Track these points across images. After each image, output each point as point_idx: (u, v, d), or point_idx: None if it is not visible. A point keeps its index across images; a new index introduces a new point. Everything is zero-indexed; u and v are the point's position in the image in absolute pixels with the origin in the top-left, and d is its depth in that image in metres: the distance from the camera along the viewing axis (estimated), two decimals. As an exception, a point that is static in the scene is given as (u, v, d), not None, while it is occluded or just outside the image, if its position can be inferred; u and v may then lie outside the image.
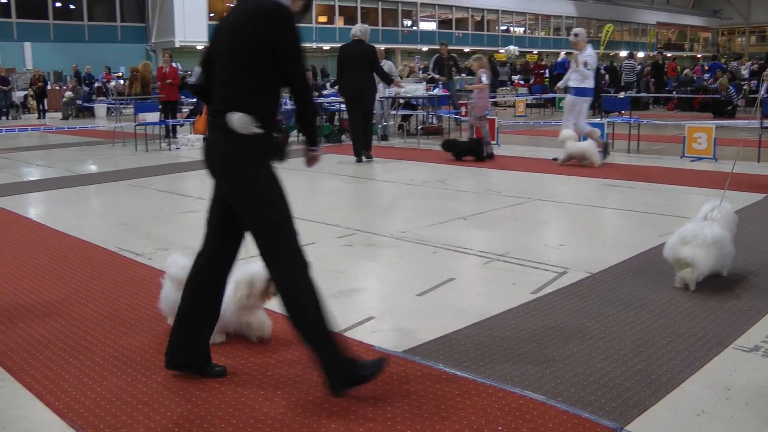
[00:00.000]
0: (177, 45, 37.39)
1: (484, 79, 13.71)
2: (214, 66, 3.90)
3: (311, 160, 4.30)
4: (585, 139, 12.78)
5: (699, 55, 68.74)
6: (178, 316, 3.97)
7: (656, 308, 5.09)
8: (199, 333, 3.99)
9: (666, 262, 5.66)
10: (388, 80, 14.47)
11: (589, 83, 12.91)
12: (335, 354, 3.71)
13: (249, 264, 4.38)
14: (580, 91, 12.90)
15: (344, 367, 3.72)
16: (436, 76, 20.16)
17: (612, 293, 5.44)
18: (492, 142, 14.15)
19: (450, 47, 21.59)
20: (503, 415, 3.54)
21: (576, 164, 12.34)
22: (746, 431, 3.43)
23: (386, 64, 17.18)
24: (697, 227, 5.48)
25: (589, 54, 12.83)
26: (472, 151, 13.36)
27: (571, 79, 13.01)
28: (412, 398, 3.71)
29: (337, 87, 16.55)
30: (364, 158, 13.49)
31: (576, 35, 13.15)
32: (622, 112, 18.47)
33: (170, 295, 4.50)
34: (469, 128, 14.76)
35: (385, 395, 3.75)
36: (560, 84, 13.82)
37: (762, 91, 21.04)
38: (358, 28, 13.80)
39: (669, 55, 45.53)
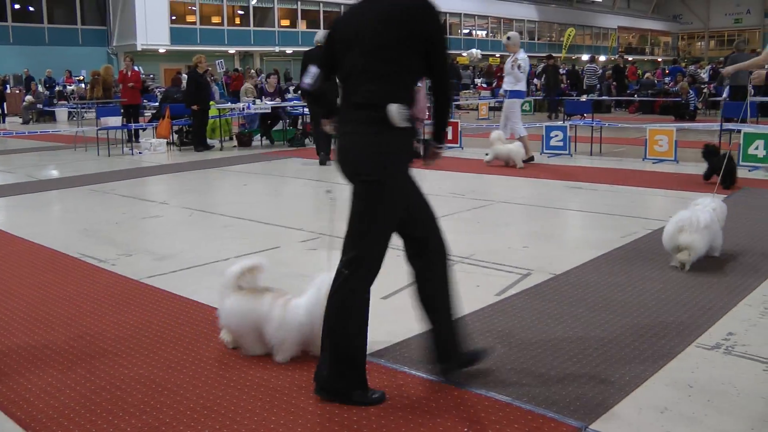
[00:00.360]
0: (139, 48, 37.11)
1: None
2: (343, 63, 3.82)
3: (433, 158, 4.15)
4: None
5: (660, 59, 69.50)
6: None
7: (619, 308, 5.14)
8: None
9: (631, 260, 5.73)
10: None
11: (522, 86, 13.36)
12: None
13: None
14: (514, 94, 13.35)
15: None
16: None
17: (575, 294, 5.48)
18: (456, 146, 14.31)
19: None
20: (469, 417, 3.55)
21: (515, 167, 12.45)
22: (708, 427, 3.48)
23: None
24: (691, 213, 6.05)
25: (522, 57, 13.08)
26: None
27: (506, 82, 13.43)
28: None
29: (300, 91, 16.68)
30: (327, 162, 13.49)
31: (509, 38, 13.43)
32: (584, 114, 18.63)
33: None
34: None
35: (351, 398, 3.75)
36: (503, 90, 14.30)
37: (724, 94, 21.27)
38: (321, 35, 14.07)
39: (630, 59, 45.93)
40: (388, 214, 3.86)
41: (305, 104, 15.63)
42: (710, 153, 10.57)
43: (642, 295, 5.44)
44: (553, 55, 26.30)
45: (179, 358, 4.29)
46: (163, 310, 5.26)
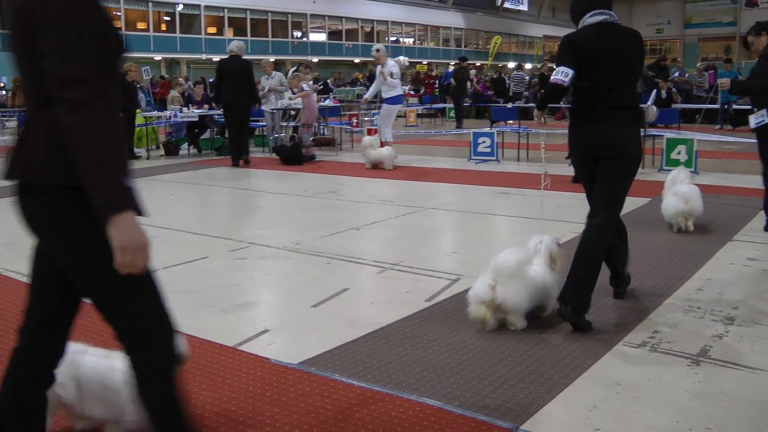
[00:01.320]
0: (62, 56, 36.45)
1: (305, 86, 15.50)
2: (597, 73, 5.03)
3: None
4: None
5: (583, 67, 70.68)
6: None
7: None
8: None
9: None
10: (256, 98, 15.39)
11: (396, 92, 14.64)
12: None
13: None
14: (390, 100, 14.58)
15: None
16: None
17: (503, 299, 5.54)
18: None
19: (341, 58, 21.69)
20: (401, 423, 3.57)
21: (439, 169, 12.56)
22: (635, 423, 3.57)
23: (276, 76, 17.34)
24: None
25: (391, 65, 14.28)
26: (294, 156, 14.62)
27: (383, 91, 14.48)
28: (309, 409, 3.71)
29: (215, 98, 17.04)
30: (242, 162, 14.66)
31: (377, 50, 14.53)
32: (510, 121, 18.85)
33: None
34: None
35: (282, 407, 3.74)
36: (367, 95, 15.85)
37: (649, 102, 21.75)
38: (235, 44, 15.27)
39: (555, 67, 46.47)
40: (631, 182, 5.16)
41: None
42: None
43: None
44: (467, 59, 25.62)
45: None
46: (89, 325, 5.16)
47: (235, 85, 14.55)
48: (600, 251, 5.03)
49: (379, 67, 14.41)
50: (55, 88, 2.35)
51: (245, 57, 15.15)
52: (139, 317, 2.69)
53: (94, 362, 3.43)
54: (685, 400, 3.80)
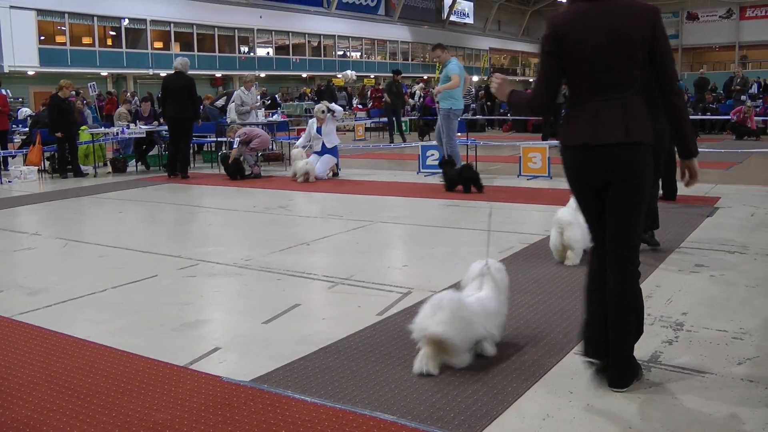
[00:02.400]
0: (6, 70, 35.68)
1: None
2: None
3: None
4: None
5: (531, 80, 71.42)
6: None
7: (498, 323, 5.24)
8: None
9: (508, 274, 5.85)
10: (197, 114, 16.04)
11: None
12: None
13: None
14: (333, 150, 14.92)
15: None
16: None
17: (455, 311, 5.55)
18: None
19: (288, 73, 21.66)
20: (354, 438, 3.56)
21: (393, 183, 12.60)
22: (588, 430, 3.60)
23: (253, 92, 17.40)
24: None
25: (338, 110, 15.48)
26: (237, 171, 14.92)
27: (325, 141, 14.84)
28: (263, 427, 3.68)
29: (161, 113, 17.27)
30: (179, 176, 15.24)
31: (323, 111, 14.89)
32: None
33: None
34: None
35: (235, 425, 3.70)
36: (300, 143, 15.63)
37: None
38: (179, 61, 15.72)
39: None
40: None
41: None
42: (446, 164, 12.16)
43: (521, 307, 5.57)
44: (400, 72, 25.18)
45: (56, 397, 4.15)
46: (37, 347, 5.08)
47: (177, 101, 15.28)
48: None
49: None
50: (668, 81, 3.92)
51: (191, 73, 15.52)
52: (636, 237, 4.06)
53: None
54: (637, 405, 3.84)
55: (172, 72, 15.75)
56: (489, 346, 4.55)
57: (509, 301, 4.92)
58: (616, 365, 4.00)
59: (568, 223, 6.66)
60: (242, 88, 17.36)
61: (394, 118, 23.13)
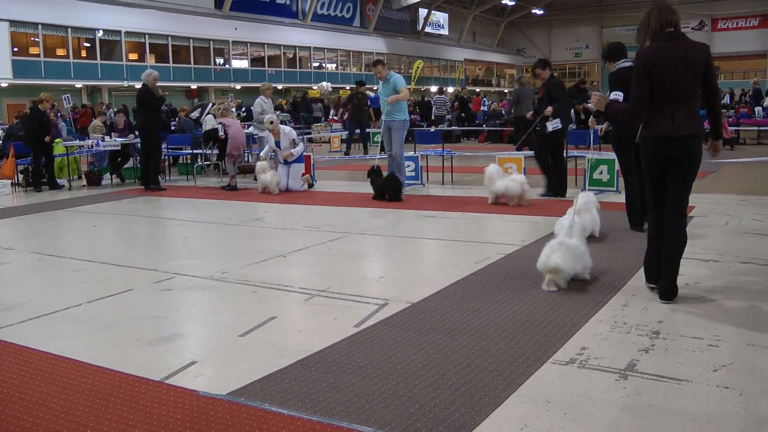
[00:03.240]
0: (-21, 82, 35.46)
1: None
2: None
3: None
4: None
5: (506, 90, 71.79)
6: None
7: (477, 332, 5.25)
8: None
9: (485, 285, 5.87)
10: (147, 124, 15.63)
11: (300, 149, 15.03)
12: None
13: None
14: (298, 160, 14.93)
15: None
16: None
17: (433, 321, 5.56)
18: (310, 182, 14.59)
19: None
20: (331, 451, 3.54)
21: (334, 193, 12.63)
22: (564, 443, 3.59)
23: (260, 103, 17.35)
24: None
25: (289, 131, 15.05)
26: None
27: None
28: (239, 441, 3.67)
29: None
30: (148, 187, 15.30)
31: (271, 123, 14.84)
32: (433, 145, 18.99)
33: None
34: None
35: (211, 440, 3.68)
36: (263, 153, 15.57)
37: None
38: (144, 74, 15.82)
39: (478, 90, 47.10)
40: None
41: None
42: (373, 174, 12.66)
43: (498, 318, 5.58)
44: (364, 83, 24.85)
45: (30, 414, 4.11)
46: (10, 364, 5.03)
47: (138, 112, 15.81)
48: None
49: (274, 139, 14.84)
50: (716, 94, 5.97)
51: (166, 84, 15.66)
52: (687, 200, 6.02)
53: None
54: (614, 414, 3.86)
55: (144, 84, 15.69)
56: (585, 275, 6.63)
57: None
58: (668, 284, 5.94)
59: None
60: (262, 96, 17.05)
61: (357, 130, 23.24)
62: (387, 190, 12.62)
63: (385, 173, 12.92)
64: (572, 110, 18.51)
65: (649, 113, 5.88)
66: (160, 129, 16.09)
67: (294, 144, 14.69)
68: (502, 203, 11.48)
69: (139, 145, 17.17)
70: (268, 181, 14.21)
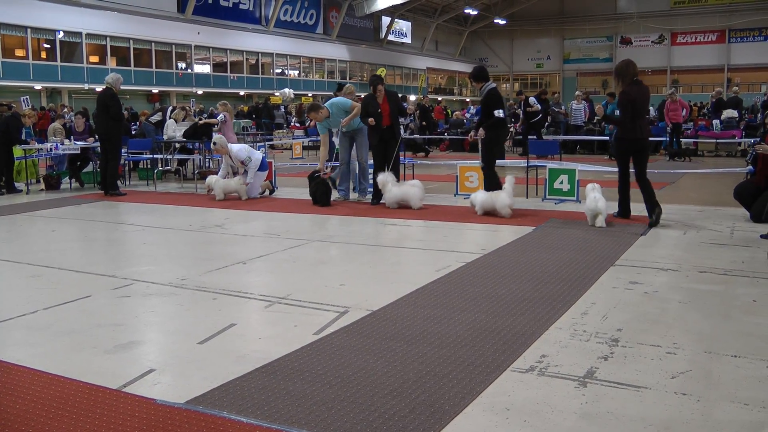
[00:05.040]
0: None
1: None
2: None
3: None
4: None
5: (468, 99, 72.16)
6: None
7: (437, 340, 5.25)
8: None
9: (446, 293, 5.87)
10: (110, 129, 15.41)
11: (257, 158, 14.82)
12: None
13: None
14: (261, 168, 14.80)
15: None
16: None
17: (393, 329, 5.56)
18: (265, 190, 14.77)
19: (226, 90, 21.47)
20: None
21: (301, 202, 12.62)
22: (522, 454, 3.60)
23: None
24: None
25: (238, 149, 14.68)
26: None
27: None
28: (197, 450, 3.63)
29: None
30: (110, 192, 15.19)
31: (214, 144, 14.65)
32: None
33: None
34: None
35: (168, 449, 3.64)
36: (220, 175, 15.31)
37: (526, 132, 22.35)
38: (109, 76, 15.64)
39: (440, 99, 47.21)
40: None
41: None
42: (312, 179, 13.09)
43: (458, 326, 5.58)
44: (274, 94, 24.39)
45: (-18, 418, 4.04)
46: None
47: (98, 116, 15.52)
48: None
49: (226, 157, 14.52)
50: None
51: (127, 88, 15.47)
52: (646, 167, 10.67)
53: None
54: (574, 421, 3.88)
55: (105, 87, 15.48)
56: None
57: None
58: (654, 205, 10.04)
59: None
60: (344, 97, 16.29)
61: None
62: (318, 195, 12.89)
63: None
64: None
65: (629, 124, 10.33)
66: (121, 134, 15.87)
67: (243, 165, 14.25)
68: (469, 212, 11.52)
69: (99, 149, 17.07)
70: (235, 188, 14.10)
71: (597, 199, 10.00)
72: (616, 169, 10.64)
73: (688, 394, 4.20)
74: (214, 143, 14.41)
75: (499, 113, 11.79)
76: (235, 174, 14.39)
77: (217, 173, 14.66)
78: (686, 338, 5.25)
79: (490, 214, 11.10)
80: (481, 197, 11.34)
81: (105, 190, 15.34)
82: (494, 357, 4.88)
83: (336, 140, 14.75)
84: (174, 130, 18.44)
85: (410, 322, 5.73)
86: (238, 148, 14.48)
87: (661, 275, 7.21)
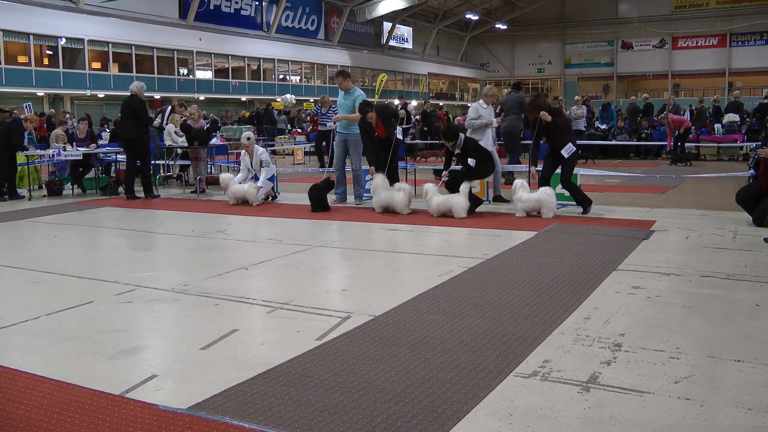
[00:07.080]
0: None
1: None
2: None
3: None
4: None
5: (469, 104, 72.16)
6: None
7: (439, 345, 5.24)
8: None
9: (448, 298, 5.86)
10: (140, 134, 15.78)
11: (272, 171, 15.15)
12: None
13: None
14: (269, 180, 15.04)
15: None
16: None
17: (395, 334, 5.55)
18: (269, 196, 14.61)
19: (227, 96, 21.49)
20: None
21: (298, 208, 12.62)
22: (525, 459, 3.60)
23: (476, 108, 16.24)
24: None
25: (261, 152, 14.82)
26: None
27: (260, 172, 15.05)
28: (199, 456, 3.63)
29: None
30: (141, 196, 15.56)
31: (248, 138, 14.89)
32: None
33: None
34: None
35: (171, 455, 3.64)
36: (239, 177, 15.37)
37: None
38: (133, 84, 16.22)
39: (441, 104, 47.20)
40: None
41: (117, 152, 15.91)
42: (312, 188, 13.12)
43: (460, 331, 5.58)
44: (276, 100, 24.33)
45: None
46: None
47: (126, 123, 15.79)
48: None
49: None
50: None
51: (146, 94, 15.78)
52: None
53: None
54: (577, 426, 3.87)
55: (129, 95, 15.95)
56: None
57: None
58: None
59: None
60: (480, 101, 14.93)
61: (323, 143, 23.09)
62: (313, 202, 13.04)
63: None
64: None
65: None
66: (149, 139, 16.36)
67: (260, 165, 14.46)
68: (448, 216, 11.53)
69: (101, 155, 17.09)
70: (247, 193, 14.14)
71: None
72: (618, 174, 10.62)
73: (691, 399, 4.19)
74: (248, 138, 14.68)
75: (471, 162, 12.08)
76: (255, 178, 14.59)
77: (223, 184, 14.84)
78: (689, 343, 5.24)
79: (448, 216, 11.63)
80: (435, 200, 11.86)
81: (128, 193, 15.70)
82: (497, 362, 4.88)
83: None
84: (174, 135, 18.41)
85: (412, 327, 5.73)
86: (262, 150, 14.87)
87: (663, 280, 7.20)
